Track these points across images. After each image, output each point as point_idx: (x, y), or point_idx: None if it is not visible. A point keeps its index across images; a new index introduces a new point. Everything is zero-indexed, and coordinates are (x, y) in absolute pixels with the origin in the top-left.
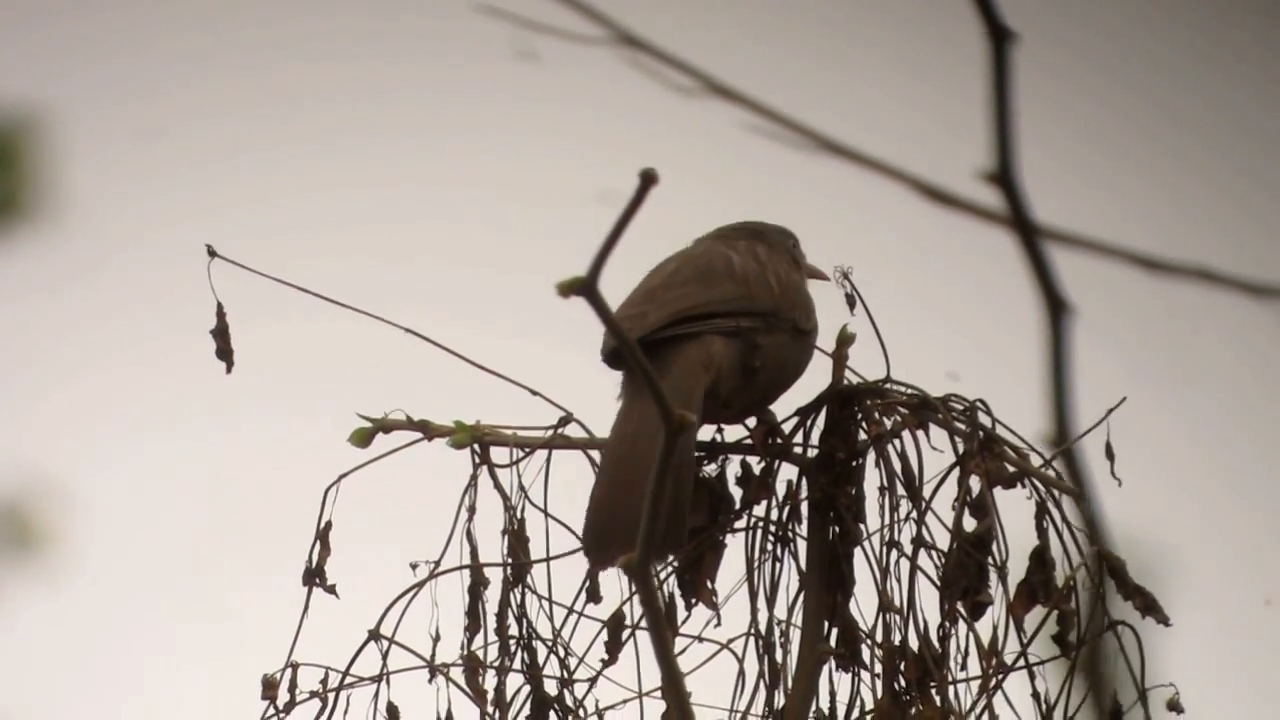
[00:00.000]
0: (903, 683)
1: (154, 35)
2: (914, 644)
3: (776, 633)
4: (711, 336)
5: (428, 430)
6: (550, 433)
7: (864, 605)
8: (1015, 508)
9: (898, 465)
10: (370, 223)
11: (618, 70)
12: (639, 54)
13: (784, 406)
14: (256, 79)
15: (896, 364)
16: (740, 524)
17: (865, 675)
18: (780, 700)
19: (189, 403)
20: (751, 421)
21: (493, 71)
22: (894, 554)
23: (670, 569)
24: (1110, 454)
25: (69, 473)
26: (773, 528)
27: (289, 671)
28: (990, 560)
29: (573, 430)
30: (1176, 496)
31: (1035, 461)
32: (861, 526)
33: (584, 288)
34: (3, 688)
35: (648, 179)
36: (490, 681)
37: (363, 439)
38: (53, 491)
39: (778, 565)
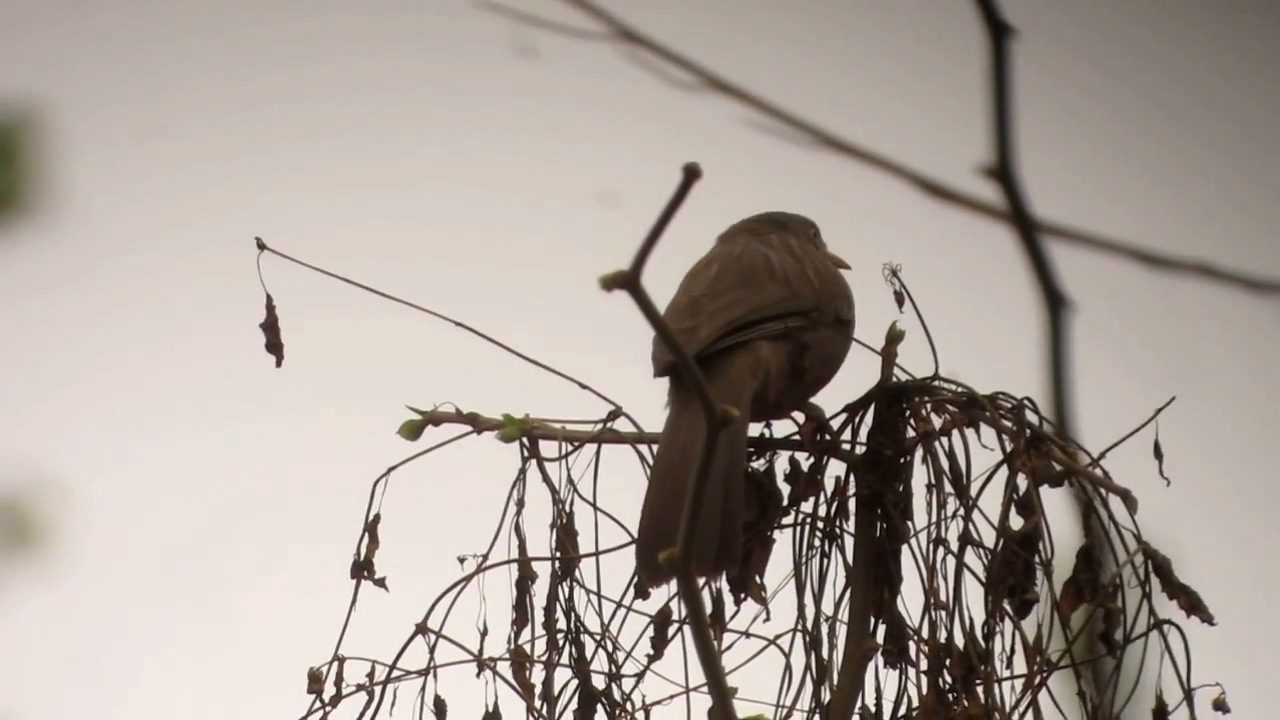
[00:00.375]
0: (948, 680)
1: (154, 35)
2: (960, 641)
3: (823, 628)
4: (759, 342)
5: (477, 423)
6: (599, 426)
7: (910, 602)
8: (1061, 506)
9: (945, 463)
10: (385, 221)
11: (618, 66)
12: (639, 49)
13: (833, 403)
14: (256, 79)
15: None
16: (788, 520)
17: (911, 672)
18: (826, 696)
19: (193, 399)
20: (800, 417)
21: (494, 68)
22: (941, 551)
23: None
24: (1159, 453)
25: (69, 470)
26: (820, 524)
27: (335, 664)
28: (1036, 558)
29: (622, 424)
30: (1177, 493)
31: (1082, 460)
32: (909, 523)
33: (627, 281)
34: (2, 683)
35: (691, 173)
36: (537, 676)
37: (412, 431)
38: (51, 488)
39: (825, 561)
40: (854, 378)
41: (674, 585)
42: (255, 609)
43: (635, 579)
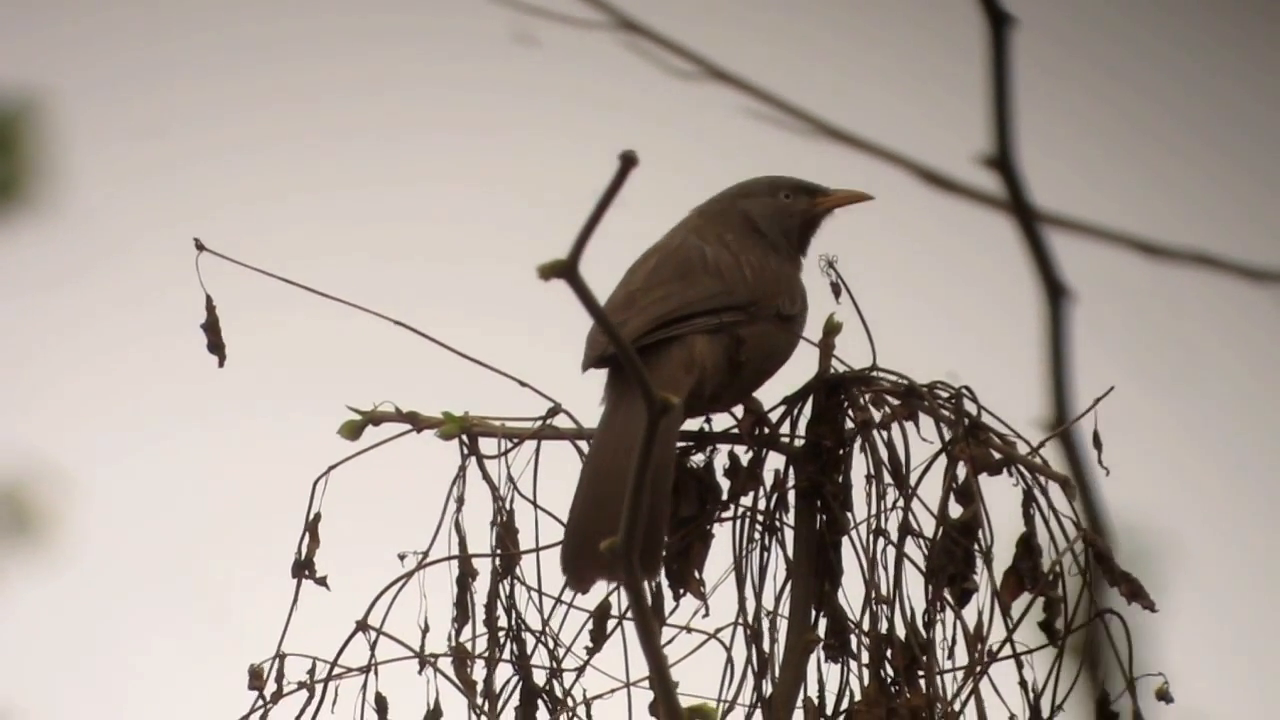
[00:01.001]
0: (890, 671)
1: (153, 34)
2: (901, 632)
3: (764, 622)
4: (693, 337)
5: (417, 422)
6: (539, 423)
7: (851, 594)
8: (1002, 495)
9: (884, 453)
10: (365, 218)
11: (617, 55)
12: (638, 39)
13: (772, 395)
14: (255, 78)
15: (897, 349)
16: (728, 514)
17: (853, 664)
18: (768, 689)
19: (184, 397)
20: (739, 410)
21: (493, 57)
22: (881, 542)
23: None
24: (1098, 443)
25: (67, 463)
26: (760, 517)
27: (277, 662)
28: (976, 547)
29: (561, 421)
30: (1173, 481)
31: (1022, 449)
32: (849, 515)
33: (565, 270)
34: (1, 674)
35: (628, 161)
36: (479, 672)
37: (352, 431)
38: (51, 479)
39: (765, 554)
40: (793, 370)
41: (603, 580)
42: (218, 608)
43: (564, 584)
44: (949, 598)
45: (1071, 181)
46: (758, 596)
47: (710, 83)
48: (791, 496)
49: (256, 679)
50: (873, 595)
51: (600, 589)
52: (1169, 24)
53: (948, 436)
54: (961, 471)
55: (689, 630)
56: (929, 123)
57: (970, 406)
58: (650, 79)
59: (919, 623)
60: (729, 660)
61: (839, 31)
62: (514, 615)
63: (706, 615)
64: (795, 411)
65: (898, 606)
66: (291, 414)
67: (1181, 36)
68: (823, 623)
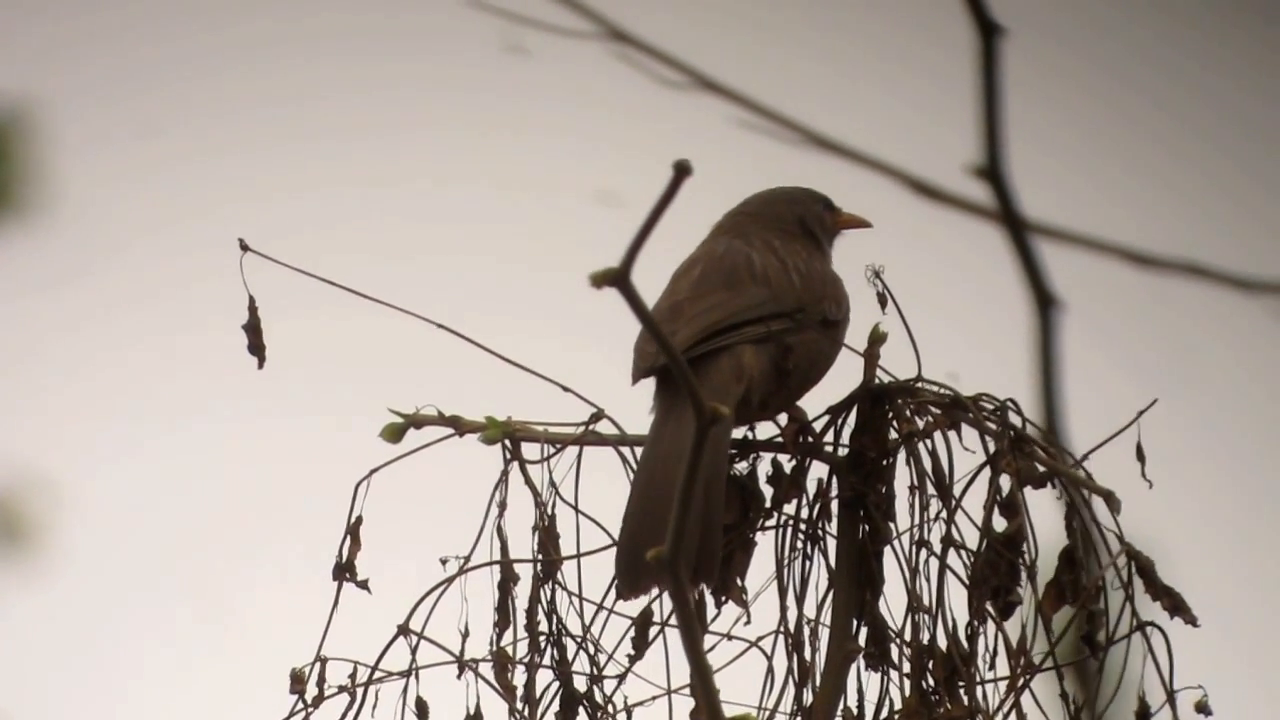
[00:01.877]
0: (931, 682)
1: (152, 34)
2: (942, 643)
3: (806, 631)
4: (742, 346)
5: (459, 426)
6: (581, 429)
7: (893, 604)
8: (1045, 508)
9: (928, 464)
10: (376, 220)
11: (607, 65)
12: (628, 49)
13: (816, 404)
14: (255, 78)
15: (888, 359)
16: (771, 522)
17: (893, 674)
18: (809, 698)
19: (194, 399)
20: (783, 419)
21: (484, 67)
22: (924, 553)
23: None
24: (1141, 456)
25: (65, 469)
26: (803, 526)
27: (317, 665)
28: (1020, 560)
29: (604, 426)
30: (1165, 492)
31: (1066, 462)
32: (891, 525)
33: (617, 279)
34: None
35: (681, 170)
36: (519, 677)
37: (394, 434)
38: (42, 487)
39: (807, 563)
40: (837, 380)
41: (656, 588)
42: (243, 610)
43: (616, 588)
44: (992, 610)
45: (1061, 192)
46: (799, 605)
47: (700, 93)
48: (834, 506)
49: (297, 682)
50: (914, 606)
51: (642, 596)
52: (1159, 33)
53: (992, 448)
54: (1006, 483)
55: (730, 638)
56: (919, 133)
57: (1015, 419)
58: (641, 89)
59: (961, 634)
60: (770, 669)
61: (828, 41)
62: (555, 621)
63: (748, 623)
64: (839, 421)
65: (939, 617)
66: (334, 417)
67: (1171, 46)
68: (864, 632)
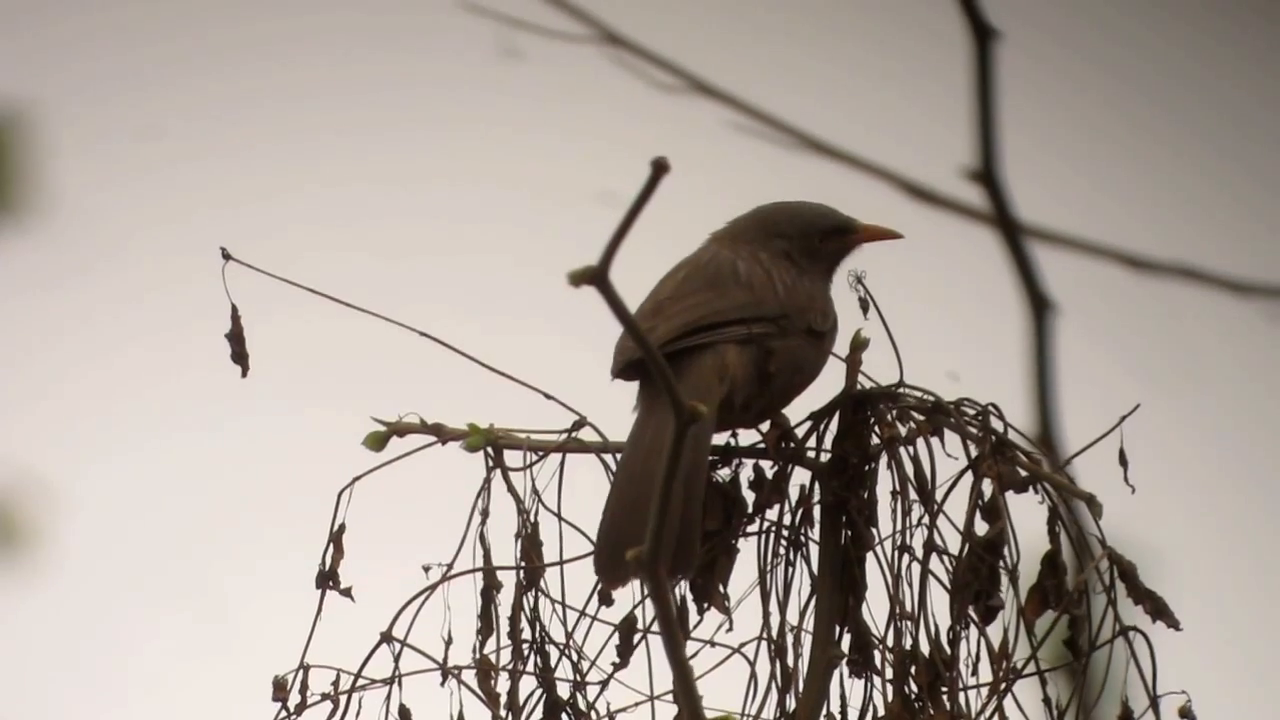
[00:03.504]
0: (914, 687)
1: (151, 34)
2: (925, 648)
3: (788, 637)
4: (725, 346)
5: (442, 433)
6: (564, 436)
7: (876, 609)
8: (1027, 512)
9: (910, 469)
10: (370, 221)
11: (602, 68)
12: (623, 52)
13: (798, 410)
14: (252, 78)
15: (879, 364)
16: (753, 528)
17: (876, 680)
18: (791, 704)
19: (186, 402)
20: (765, 425)
21: (478, 70)
22: (906, 558)
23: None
24: (1123, 460)
25: (59, 472)
26: (785, 532)
27: (300, 673)
28: (1002, 564)
29: (586, 434)
30: (1160, 495)
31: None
32: (874, 531)
33: (595, 277)
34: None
35: (659, 168)
36: (503, 684)
37: (377, 442)
38: (38, 489)
39: (790, 569)
40: (820, 386)
41: (639, 589)
42: (232, 615)
43: (598, 584)
44: (974, 615)
45: (1056, 195)
46: (782, 611)
47: (694, 96)
48: (817, 511)
49: (280, 690)
50: (897, 611)
51: (625, 602)
52: (1154, 37)
53: (974, 453)
54: (987, 488)
55: (713, 644)
56: (913, 136)
57: (997, 424)
58: (634, 92)
59: (943, 639)
60: (752, 675)
61: (822, 45)
62: (538, 628)
63: (730, 630)
64: (821, 427)
65: (922, 623)
66: (316, 424)
67: (1166, 49)
68: (846, 638)
